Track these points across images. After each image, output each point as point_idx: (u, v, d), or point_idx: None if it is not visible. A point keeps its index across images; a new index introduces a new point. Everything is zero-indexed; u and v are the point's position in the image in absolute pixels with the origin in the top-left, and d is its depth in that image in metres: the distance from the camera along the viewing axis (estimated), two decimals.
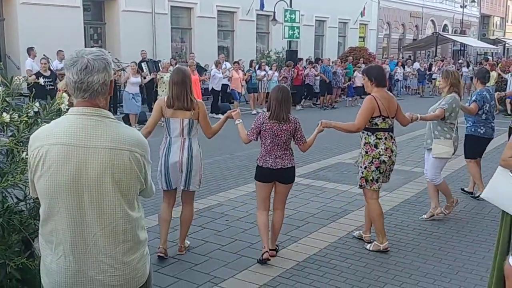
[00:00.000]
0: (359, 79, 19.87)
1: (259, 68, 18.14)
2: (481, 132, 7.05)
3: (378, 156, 5.23)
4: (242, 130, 5.09)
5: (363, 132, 5.31)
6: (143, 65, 16.67)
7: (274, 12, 22.03)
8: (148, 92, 16.27)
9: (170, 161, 4.91)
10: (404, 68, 25.20)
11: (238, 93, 17.15)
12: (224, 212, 6.51)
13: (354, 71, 20.60)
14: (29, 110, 3.31)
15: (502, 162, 3.72)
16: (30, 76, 13.30)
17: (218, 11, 23.15)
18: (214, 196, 7.17)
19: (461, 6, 41.64)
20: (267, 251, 5.01)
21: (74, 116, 2.25)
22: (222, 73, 16.80)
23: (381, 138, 5.25)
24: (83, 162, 2.21)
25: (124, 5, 19.23)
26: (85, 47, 17.14)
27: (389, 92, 5.49)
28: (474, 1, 45.55)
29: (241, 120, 5.12)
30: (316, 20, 28.95)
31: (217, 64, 16.92)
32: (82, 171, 2.21)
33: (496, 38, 48.62)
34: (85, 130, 2.22)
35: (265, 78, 17.78)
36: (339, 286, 4.56)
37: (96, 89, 2.23)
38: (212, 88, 16.75)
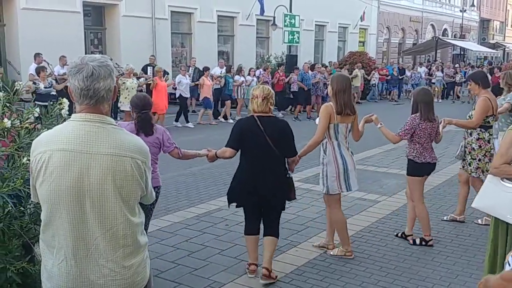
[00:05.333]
0: None
1: (238, 73, 17.09)
2: None
3: (489, 150, 6.05)
4: (387, 132, 5.49)
5: (475, 129, 6.00)
6: (149, 68, 16.72)
7: (274, 17, 22.11)
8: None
9: (349, 165, 5.07)
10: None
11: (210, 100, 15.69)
12: (224, 217, 6.51)
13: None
14: (30, 116, 3.33)
15: (493, 170, 3.66)
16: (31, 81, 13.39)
17: (218, 16, 23.19)
18: (214, 201, 7.17)
19: (460, 11, 41.79)
20: (431, 238, 5.65)
21: (77, 122, 2.28)
22: (213, 80, 16.11)
23: (492, 135, 6.10)
24: (85, 168, 2.23)
25: (125, 10, 19.27)
26: (85, 52, 17.42)
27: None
28: (474, 5, 45.67)
29: (382, 124, 5.45)
30: (316, 25, 29.01)
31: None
32: (84, 176, 2.23)
33: (496, 42, 48.72)
34: (88, 136, 2.25)
35: (243, 84, 16.87)
36: None
37: (102, 96, 2.27)
38: (180, 95, 15.44)
